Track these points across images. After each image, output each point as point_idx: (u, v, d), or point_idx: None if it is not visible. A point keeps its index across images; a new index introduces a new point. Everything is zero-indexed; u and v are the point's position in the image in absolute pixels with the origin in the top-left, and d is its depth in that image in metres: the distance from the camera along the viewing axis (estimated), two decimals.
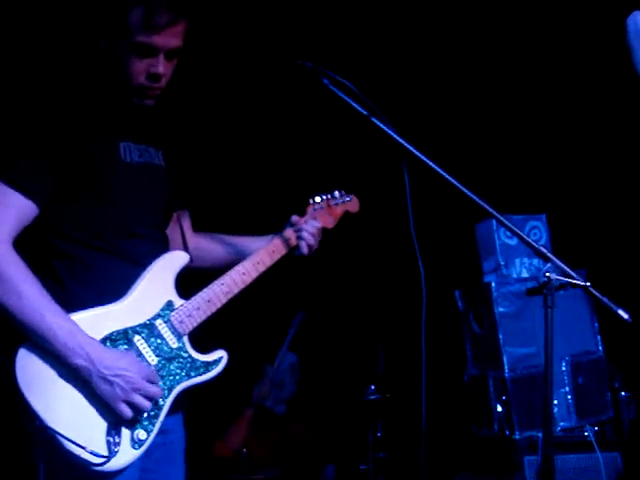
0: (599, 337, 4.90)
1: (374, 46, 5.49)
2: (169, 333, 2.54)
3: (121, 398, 2.35)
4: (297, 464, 5.49)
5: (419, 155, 2.52)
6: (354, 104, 2.53)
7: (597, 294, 2.37)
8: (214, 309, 2.64)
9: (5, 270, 2.31)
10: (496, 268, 4.97)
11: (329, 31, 5.23)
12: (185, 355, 2.55)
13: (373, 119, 2.52)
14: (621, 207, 5.39)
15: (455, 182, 2.50)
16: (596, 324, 4.91)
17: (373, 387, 4.93)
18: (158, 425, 2.47)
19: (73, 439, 2.29)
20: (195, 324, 2.59)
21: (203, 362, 2.58)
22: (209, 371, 2.59)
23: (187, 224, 2.96)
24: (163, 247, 2.71)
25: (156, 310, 2.54)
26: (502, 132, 5.97)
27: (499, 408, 4.70)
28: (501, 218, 2.50)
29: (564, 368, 4.75)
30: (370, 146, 4.32)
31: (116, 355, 2.40)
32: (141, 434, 2.42)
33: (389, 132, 2.53)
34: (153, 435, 2.46)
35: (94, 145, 2.49)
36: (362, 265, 6.15)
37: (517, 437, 4.58)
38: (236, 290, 2.71)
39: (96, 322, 2.43)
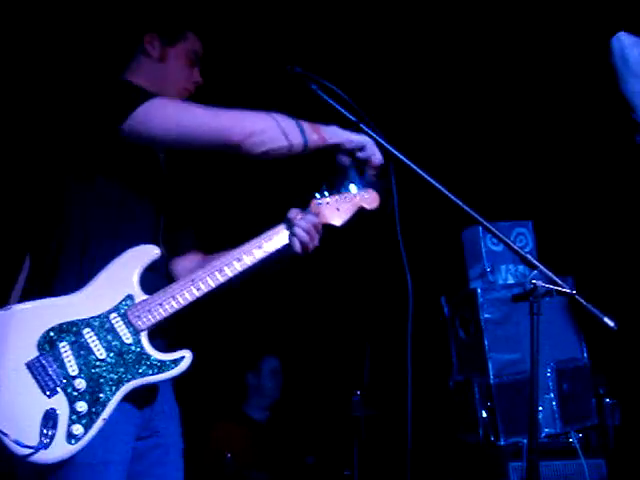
0: (584, 344, 4.93)
1: (362, 52, 5.49)
2: (123, 328, 2.43)
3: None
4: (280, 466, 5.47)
5: (407, 161, 2.52)
6: (343, 110, 2.53)
7: (583, 301, 2.38)
8: (178, 307, 2.47)
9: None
10: (482, 274, 4.99)
11: (319, 36, 5.24)
12: (139, 351, 2.42)
13: (361, 125, 2.53)
14: (607, 215, 5.42)
15: (442, 189, 2.50)
16: (581, 331, 4.93)
17: (359, 392, 4.94)
18: (99, 422, 2.35)
19: (1, 428, 2.24)
20: (155, 321, 2.45)
21: (161, 360, 2.43)
22: (167, 370, 2.43)
23: (187, 241, 2.89)
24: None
25: (113, 303, 2.44)
26: (489, 140, 5.99)
27: (484, 414, 4.71)
28: (487, 225, 2.51)
29: (549, 374, 4.76)
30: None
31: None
32: (77, 429, 2.31)
33: (377, 138, 2.53)
34: (93, 432, 2.34)
35: None
36: (349, 271, 6.16)
37: (502, 443, 4.59)
38: (205, 289, 2.51)
39: (47, 312, 2.40)
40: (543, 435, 4.65)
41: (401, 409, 2.87)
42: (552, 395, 4.75)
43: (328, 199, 2.67)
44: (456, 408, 4.99)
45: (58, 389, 2.33)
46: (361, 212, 2.69)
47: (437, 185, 2.50)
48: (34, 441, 2.26)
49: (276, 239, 2.60)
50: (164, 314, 2.46)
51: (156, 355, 2.43)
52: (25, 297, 2.48)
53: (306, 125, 2.55)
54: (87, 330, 2.40)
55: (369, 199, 2.70)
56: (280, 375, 5.78)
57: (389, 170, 2.60)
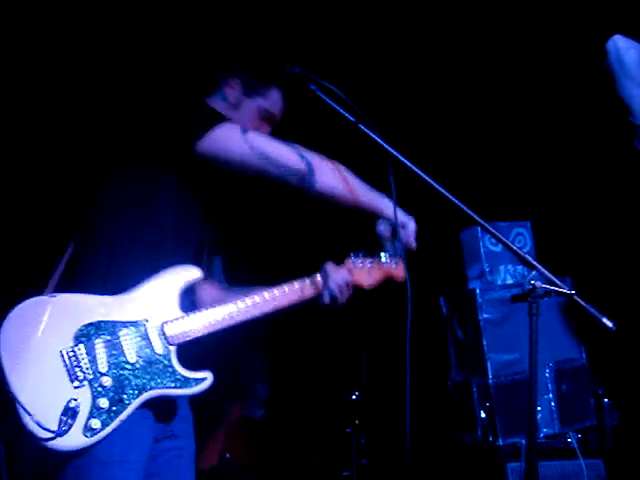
0: (582, 344, 4.93)
1: (361, 53, 5.49)
2: (157, 339, 2.54)
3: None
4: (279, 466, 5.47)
5: (406, 162, 2.52)
6: (342, 110, 2.53)
7: (582, 302, 2.38)
8: (211, 330, 2.61)
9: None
10: (481, 275, 4.99)
11: (318, 37, 5.24)
12: (167, 364, 2.53)
13: (360, 125, 2.53)
14: (605, 215, 5.42)
15: (441, 189, 2.50)
16: (579, 331, 4.93)
17: (357, 393, 4.93)
18: (117, 422, 2.42)
19: (26, 407, 2.32)
20: (187, 338, 2.57)
21: (184, 377, 2.54)
22: (188, 387, 2.54)
23: (217, 267, 3.00)
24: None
25: (151, 314, 2.55)
26: (488, 140, 5.99)
27: (483, 414, 4.70)
28: (486, 225, 2.51)
29: (547, 375, 4.76)
30: (357, 152, 4.33)
31: None
32: (95, 424, 2.39)
33: (376, 138, 2.53)
34: (109, 429, 2.41)
35: None
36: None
37: (500, 443, 4.59)
38: (240, 318, 2.66)
39: (90, 307, 2.49)
40: (541, 435, 4.65)
41: (399, 409, 2.87)
42: (551, 395, 4.75)
43: (362, 262, 2.87)
44: (454, 408, 4.99)
45: (85, 382, 2.41)
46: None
47: (436, 185, 2.51)
48: (54, 426, 2.33)
49: (310, 287, 2.77)
50: (198, 334, 2.58)
51: (181, 371, 2.53)
52: (60, 287, 2.59)
53: (361, 187, 2.70)
54: (123, 332, 2.50)
55: (397, 270, 2.91)
56: (265, 373, 5.76)
57: (388, 171, 2.60)
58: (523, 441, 4.48)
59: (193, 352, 2.64)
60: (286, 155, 2.62)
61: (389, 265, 2.91)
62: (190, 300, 2.72)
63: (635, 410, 4.75)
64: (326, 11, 5.24)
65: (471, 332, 4.87)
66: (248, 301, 2.68)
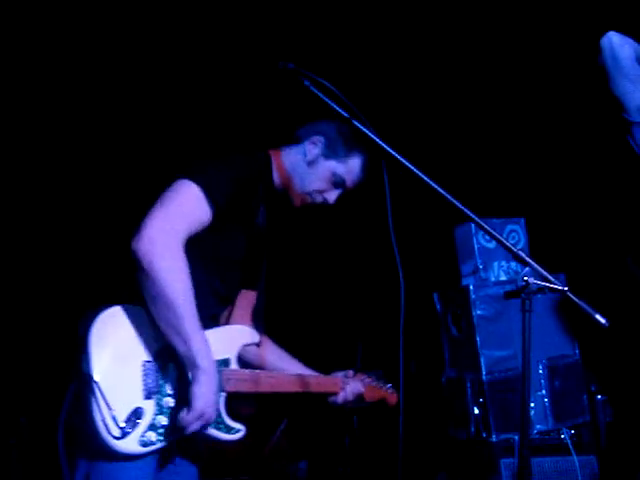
0: (576, 341, 4.94)
1: (354, 48, 5.49)
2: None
3: (202, 412, 2.49)
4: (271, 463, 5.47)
5: (399, 158, 2.52)
6: (335, 106, 2.53)
7: (575, 298, 2.38)
8: (255, 391, 2.79)
9: (174, 262, 2.45)
10: (474, 271, 5.00)
11: (311, 32, 5.24)
12: (216, 407, 2.61)
13: (354, 121, 2.52)
14: (599, 212, 5.43)
15: (435, 185, 2.50)
16: (572, 328, 4.94)
17: None
18: (167, 442, 2.53)
19: (109, 401, 2.40)
20: (237, 389, 2.70)
21: (225, 423, 2.66)
22: (226, 433, 2.66)
23: (255, 306, 3.06)
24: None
25: (218, 357, 2.64)
26: (482, 137, 6.00)
27: (476, 410, 4.71)
28: (480, 222, 2.51)
29: (541, 371, 4.77)
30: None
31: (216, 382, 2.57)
32: (151, 437, 2.49)
33: (370, 134, 2.53)
34: (159, 446, 2.51)
35: (252, 193, 2.76)
36: (341, 267, 6.16)
37: (494, 439, 4.60)
38: (278, 390, 2.87)
39: None
40: (535, 432, 4.66)
41: (393, 406, 2.88)
42: (544, 392, 4.76)
43: (371, 381, 3.19)
44: (448, 404, 5.00)
45: (153, 396, 2.51)
46: (351, 200, 2.98)
47: (429, 182, 2.50)
48: (122, 425, 2.43)
49: (333, 385, 3.07)
50: (247, 390, 2.75)
51: (224, 415, 2.66)
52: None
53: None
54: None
55: (391, 396, 3.24)
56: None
57: (382, 167, 2.60)
58: (516, 437, 4.50)
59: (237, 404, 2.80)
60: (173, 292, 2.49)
61: (388, 390, 3.25)
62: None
63: (628, 406, 4.76)
64: (322, 7, 5.24)
65: (465, 328, 4.88)
66: (290, 380, 2.94)
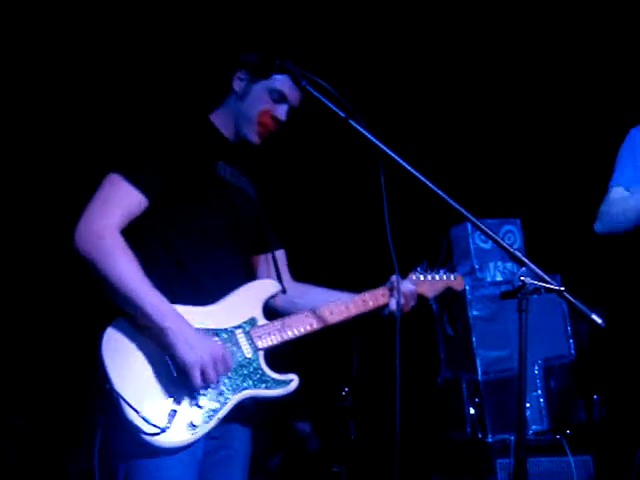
0: (571, 341, 4.94)
1: (352, 48, 5.49)
2: (246, 344, 2.69)
3: (199, 364, 2.50)
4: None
5: (396, 157, 2.51)
6: (332, 105, 2.52)
7: (571, 298, 2.38)
8: (293, 336, 2.77)
9: (110, 247, 2.54)
10: (470, 271, 5.00)
11: (308, 31, 5.24)
12: (256, 366, 2.67)
13: (350, 121, 2.52)
14: (595, 213, 5.42)
15: (431, 185, 2.50)
16: (569, 328, 4.94)
17: (347, 389, 4.93)
18: (215, 420, 2.56)
19: (132, 404, 2.44)
20: (273, 343, 2.72)
21: (272, 378, 2.68)
22: (276, 388, 2.68)
23: (282, 264, 3.09)
24: (241, 265, 2.87)
25: (239, 321, 2.71)
26: (478, 138, 6.00)
27: (472, 411, 4.71)
28: (476, 221, 2.50)
29: (536, 372, 4.77)
30: (347, 147, 4.33)
31: (202, 335, 2.58)
32: (197, 421, 2.52)
33: (366, 134, 2.53)
34: (208, 427, 2.54)
35: (195, 157, 2.76)
36: (338, 266, 6.15)
37: (490, 440, 4.60)
38: (319, 326, 2.83)
39: (189, 317, 2.61)
40: (530, 432, 4.66)
41: (389, 405, 2.87)
42: (539, 392, 4.76)
43: (424, 275, 3.10)
44: (444, 405, 5.00)
45: (183, 383, 2.52)
46: (348, 199, 2.88)
47: (426, 182, 2.50)
48: (161, 422, 2.47)
49: (380, 297, 2.96)
50: (283, 339, 2.75)
51: (270, 373, 2.69)
52: None
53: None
54: (215, 339, 2.64)
55: (457, 282, 3.18)
56: None
57: (378, 166, 2.59)
58: (512, 437, 4.50)
59: (282, 357, 2.80)
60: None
61: (448, 277, 3.15)
62: (269, 305, 2.88)
63: (624, 407, 4.76)
64: (319, 5, 5.24)
65: (461, 329, 4.88)
66: (328, 310, 2.86)
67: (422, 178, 2.50)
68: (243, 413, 2.72)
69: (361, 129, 2.53)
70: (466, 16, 5.49)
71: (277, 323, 2.76)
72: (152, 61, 5.22)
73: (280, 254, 3.08)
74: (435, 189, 2.49)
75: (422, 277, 3.09)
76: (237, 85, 2.90)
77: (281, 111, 2.87)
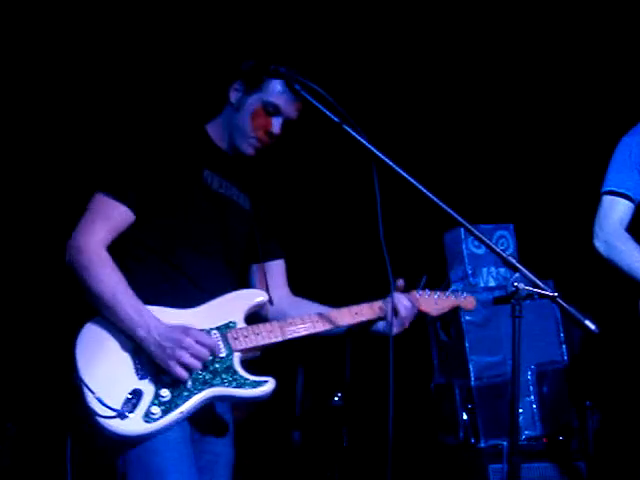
0: (564, 347, 4.94)
1: (346, 53, 5.50)
2: (220, 344, 2.69)
3: (170, 357, 2.54)
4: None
5: (390, 163, 2.52)
6: (326, 111, 2.52)
7: (565, 304, 2.38)
8: (273, 340, 2.76)
9: (92, 260, 2.64)
10: (463, 277, 5.00)
11: (303, 36, 5.24)
12: (229, 365, 2.67)
13: (345, 126, 2.52)
14: (588, 218, 5.43)
15: (425, 190, 2.50)
16: (562, 334, 4.94)
17: (340, 394, 4.93)
18: (177, 413, 2.55)
19: (91, 387, 2.49)
20: (250, 345, 2.72)
21: (246, 379, 2.66)
22: (249, 388, 2.65)
23: (277, 275, 3.10)
24: (226, 276, 2.88)
25: (217, 324, 2.72)
26: (471, 143, 6.00)
27: (465, 416, 4.72)
28: (469, 227, 2.51)
29: (529, 377, 4.78)
30: (341, 153, 4.34)
31: (171, 327, 2.61)
32: (155, 410, 2.53)
33: (360, 139, 2.53)
34: (168, 419, 2.54)
35: (182, 166, 2.80)
36: (332, 270, 6.15)
37: (482, 445, 4.60)
38: (300, 333, 2.81)
39: (159, 315, 2.67)
40: (523, 438, 4.66)
41: (382, 410, 2.86)
42: (532, 398, 4.77)
43: (428, 294, 3.01)
44: (437, 410, 5.00)
45: (149, 375, 2.58)
46: (342, 205, 2.89)
47: (420, 187, 2.51)
48: (116, 405, 2.49)
49: (369, 311, 2.91)
50: (261, 343, 2.74)
51: (242, 373, 2.67)
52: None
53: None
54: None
55: (467, 301, 3.11)
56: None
57: (372, 172, 2.59)
58: (505, 443, 4.50)
59: (259, 362, 2.81)
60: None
61: (457, 296, 3.08)
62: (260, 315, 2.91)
63: (616, 412, 4.77)
64: (314, 10, 5.25)
65: (454, 334, 4.88)
66: (310, 319, 2.84)
67: (416, 183, 2.50)
68: (220, 423, 2.79)
69: (355, 134, 2.54)
70: (456, 23, 5.50)
71: (256, 328, 2.76)
72: (152, 70, 5.22)
73: (274, 265, 3.09)
74: (429, 194, 2.50)
75: (426, 295, 3.02)
76: (233, 96, 2.90)
77: (276, 124, 2.86)
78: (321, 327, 2.84)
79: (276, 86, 2.83)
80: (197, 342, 2.57)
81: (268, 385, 2.66)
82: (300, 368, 5.86)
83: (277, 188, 3.27)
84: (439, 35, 5.56)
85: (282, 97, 2.82)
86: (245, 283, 3.03)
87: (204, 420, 2.70)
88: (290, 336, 2.78)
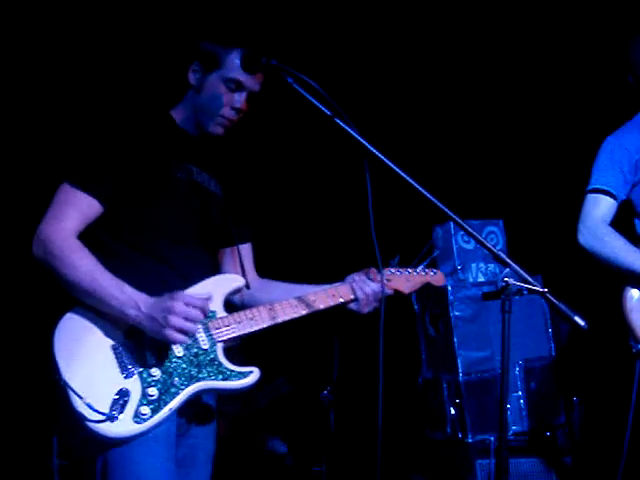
0: (552, 343, 4.96)
1: (339, 47, 5.49)
2: (203, 335, 2.66)
3: (164, 326, 2.51)
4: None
5: (381, 157, 2.51)
6: (318, 104, 2.52)
7: (554, 300, 2.39)
8: (256, 328, 2.74)
9: (63, 248, 2.60)
10: (453, 272, 5.00)
11: (295, 29, 5.23)
12: (213, 357, 2.65)
13: (336, 120, 2.52)
14: (577, 214, 5.45)
15: (415, 184, 2.50)
16: (550, 330, 4.96)
17: (329, 388, 4.93)
18: (166, 410, 2.54)
19: (77, 391, 2.45)
20: (232, 335, 2.70)
21: (231, 370, 2.65)
22: (235, 379, 2.64)
23: (247, 259, 3.07)
24: (207, 263, 2.88)
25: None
26: (460, 139, 6.01)
27: (452, 411, 4.72)
28: (460, 221, 2.51)
29: (517, 373, 4.79)
30: (333, 146, 4.33)
31: (160, 298, 2.57)
32: (145, 410, 2.51)
33: (352, 133, 2.52)
34: (158, 417, 2.52)
35: (150, 155, 2.76)
36: (320, 264, 6.14)
37: (470, 440, 4.61)
38: (282, 319, 2.79)
39: None
40: (510, 433, 4.67)
41: (370, 405, 2.86)
42: (520, 393, 4.78)
43: (400, 272, 2.99)
44: (425, 405, 5.00)
45: (135, 373, 2.56)
46: (333, 198, 2.87)
47: (411, 181, 2.50)
48: (105, 409, 2.46)
49: (344, 293, 2.89)
50: (243, 331, 2.72)
51: (227, 364, 2.65)
52: None
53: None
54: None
55: (436, 278, 3.09)
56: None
57: (363, 165, 2.58)
58: (492, 438, 4.51)
59: (243, 350, 2.80)
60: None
61: (427, 273, 3.06)
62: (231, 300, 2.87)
63: (603, 408, 4.79)
64: (307, 3, 5.24)
65: (442, 329, 4.89)
66: (290, 304, 2.82)
67: (406, 177, 2.50)
68: (205, 411, 2.76)
69: (347, 128, 2.53)
70: (448, 22, 5.50)
71: (237, 316, 2.74)
72: (114, 58, 5.18)
73: (246, 248, 3.07)
74: (420, 188, 2.50)
75: (398, 273, 2.99)
76: (192, 78, 2.86)
77: (239, 99, 2.82)
78: (302, 311, 2.83)
79: (234, 60, 2.80)
80: (187, 304, 2.54)
81: (253, 375, 2.65)
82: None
83: (247, 170, 3.25)
84: (427, 28, 5.56)
85: (242, 70, 2.79)
86: (217, 268, 3.00)
87: (189, 408, 2.68)
88: (273, 322, 2.76)
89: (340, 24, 5.43)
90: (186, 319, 2.53)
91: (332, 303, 2.88)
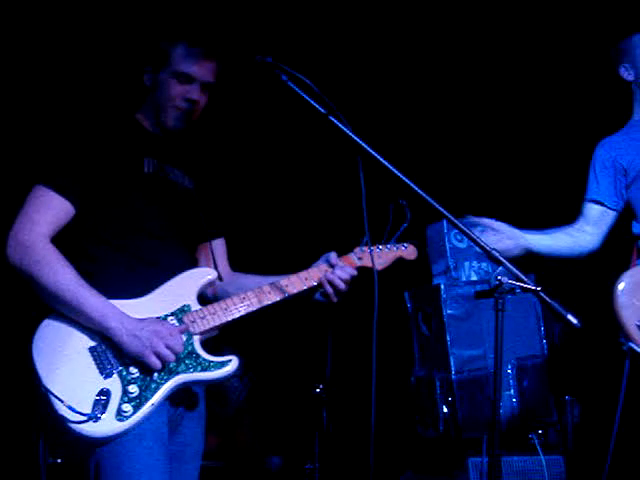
0: (545, 341, 4.96)
1: (333, 45, 5.49)
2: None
3: (149, 349, 2.57)
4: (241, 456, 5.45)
5: (375, 155, 2.52)
6: (312, 102, 2.52)
7: (547, 298, 2.39)
8: (230, 318, 2.78)
9: (43, 255, 2.62)
10: (445, 270, 5.01)
11: (290, 26, 5.23)
12: (190, 350, 2.68)
13: (331, 117, 2.52)
14: (568, 213, 5.46)
15: (409, 182, 2.51)
16: (542, 329, 4.96)
17: (321, 386, 4.93)
18: (148, 406, 2.57)
19: (58, 395, 2.48)
20: (208, 327, 2.74)
21: (210, 361, 2.69)
22: (214, 370, 2.68)
23: (220, 253, 3.12)
24: (186, 258, 2.92)
25: (172, 309, 2.75)
26: (456, 138, 6.02)
27: (445, 409, 4.73)
28: (454, 219, 2.52)
29: (509, 371, 4.79)
30: (327, 144, 4.33)
31: (146, 319, 2.65)
32: (126, 407, 2.54)
33: (346, 131, 2.53)
34: (140, 414, 2.55)
35: (120, 156, 2.82)
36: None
37: (462, 438, 4.61)
38: (255, 307, 2.83)
39: None
40: (502, 431, 4.67)
41: (363, 403, 2.87)
42: (512, 392, 4.78)
43: (371, 249, 2.96)
44: (417, 403, 5.00)
45: (114, 373, 2.59)
46: (326, 196, 2.89)
47: (405, 179, 2.51)
48: (86, 409, 2.50)
49: (316, 276, 2.92)
50: (218, 322, 2.76)
51: (205, 356, 2.69)
52: None
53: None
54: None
55: (408, 251, 3.09)
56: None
57: (357, 163, 2.59)
58: (484, 436, 4.51)
59: (220, 341, 2.86)
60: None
61: (398, 247, 3.06)
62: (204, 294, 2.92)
63: (596, 407, 4.80)
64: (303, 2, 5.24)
65: (435, 327, 4.89)
66: (262, 290, 2.85)
67: (401, 176, 2.50)
68: (193, 404, 2.81)
69: (342, 126, 2.54)
70: (446, 21, 5.50)
71: (211, 308, 2.78)
72: (77, 64, 5.19)
73: (218, 243, 3.12)
74: (414, 186, 2.50)
75: (369, 251, 2.98)
76: (147, 79, 2.95)
77: (192, 91, 2.88)
78: (274, 298, 2.86)
79: (180, 54, 2.88)
80: (171, 334, 2.61)
81: (232, 364, 2.69)
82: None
83: (221, 165, 3.28)
84: (422, 27, 5.57)
85: (191, 64, 2.87)
86: (194, 264, 3.03)
87: (177, 396, 2.71)
88: (246, 311, 2.80)
89: (334, 22, 5.43)
90: (167, 346, 2.59)
91: (305, 287, 2.90)
